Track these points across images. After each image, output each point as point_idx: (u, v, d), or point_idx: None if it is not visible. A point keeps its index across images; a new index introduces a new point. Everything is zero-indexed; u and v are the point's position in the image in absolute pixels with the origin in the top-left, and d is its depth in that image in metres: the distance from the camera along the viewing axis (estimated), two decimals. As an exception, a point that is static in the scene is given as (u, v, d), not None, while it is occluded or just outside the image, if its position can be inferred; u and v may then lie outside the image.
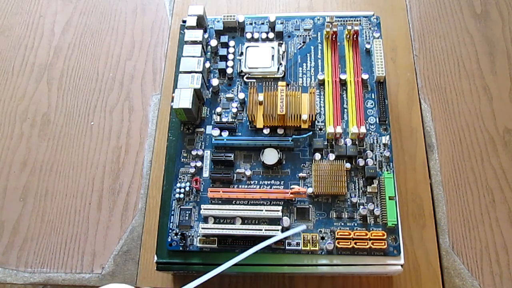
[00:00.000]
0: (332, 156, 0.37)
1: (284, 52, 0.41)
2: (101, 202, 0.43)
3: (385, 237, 0.34)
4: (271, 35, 0.42)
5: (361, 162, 0.36)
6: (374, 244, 0.34)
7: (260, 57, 0.41)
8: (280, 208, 0.34)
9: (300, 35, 0.42)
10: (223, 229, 0.34)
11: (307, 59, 0.41)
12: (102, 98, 0.47)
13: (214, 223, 0.35)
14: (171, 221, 0.35)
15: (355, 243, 0.34)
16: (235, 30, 0.43)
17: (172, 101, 0.37)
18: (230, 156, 0.37)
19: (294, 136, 0.37)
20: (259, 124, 0.38)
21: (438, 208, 0.41)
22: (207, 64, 0.41)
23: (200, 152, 0.38)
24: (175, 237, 0.35)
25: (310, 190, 0.36)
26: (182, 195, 0.36)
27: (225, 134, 0.38)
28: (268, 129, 0.38)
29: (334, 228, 0.35)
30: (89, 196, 0.43)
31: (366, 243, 0.34)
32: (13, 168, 0.44)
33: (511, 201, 0.41)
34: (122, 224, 0.42)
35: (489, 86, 0.46)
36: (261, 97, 0.38)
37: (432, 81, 0.46)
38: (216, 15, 0.44)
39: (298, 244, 0.34)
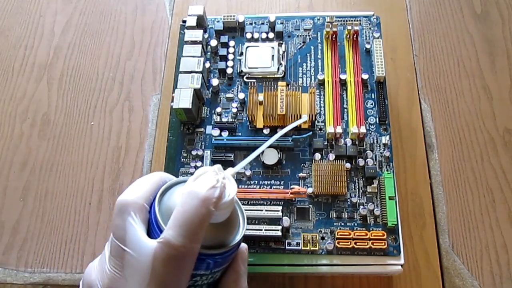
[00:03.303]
0: (332, 156, 0.37)
1: (284, 52, 0.41)
2: (101, 202, 0.43)
3: (385, 237, 0.34)
4: (271, 35, 0.42)
5: (361, 162, 0.36)
6: (374, 244, 0.34)
7: (260, 57, 0.41)
8: (280, 208, 0.34)
9: (300, 35, 0.42)
10: (223, 229, 0.34)
11: (307, 59, 0.41)
12: (102, 98, 0.47)
13: (214, 223, 0.35)
14: (171, 221, 0.35)
15: (355, 243, 0.34)
16: (235, 30, 0.43)
17: (172, 101, 0.37)
18: (230, 156, 0.37)
19: (294, 136, 0.37)
20: (259, 124, 0.38)
21: (438, 208, 0.41)
22: (207, 64, 0.41)
23: (200, 152, 0.38)
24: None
25: (310, 190, 0.36)
26: (182, 195, 0.36)
27: (225, 134, 0.38)
28: (268, 129, 0.38)
29: (334, 228, 0.35)
30: (89, 196, 0.43)
31: (366, 243, 0.34)
32: (13, 168, 0.44)
33: (511, 201, 0.41)
34: (122, 224, 0.42)
35: (489, 86, 0.46)
36: (261, 97, 0.38)
37: (432, 81, 0.46)
38: (216, 15, 0.44)
39: (298, 244, 0.34)
